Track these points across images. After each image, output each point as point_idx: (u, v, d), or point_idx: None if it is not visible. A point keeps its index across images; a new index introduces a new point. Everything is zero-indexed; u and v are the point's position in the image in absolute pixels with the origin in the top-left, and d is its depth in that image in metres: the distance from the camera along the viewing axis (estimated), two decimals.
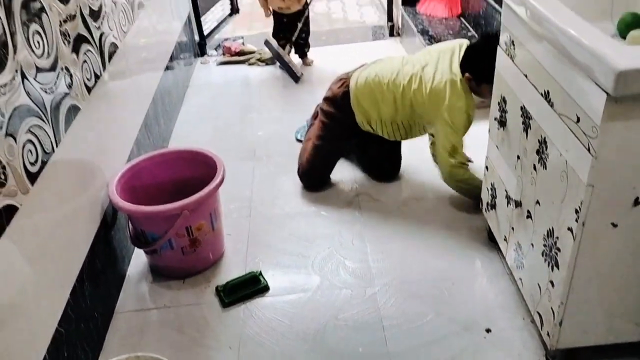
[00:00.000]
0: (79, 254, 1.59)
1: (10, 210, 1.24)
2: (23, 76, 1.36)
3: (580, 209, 1.19)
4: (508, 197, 1.64)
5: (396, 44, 3.72)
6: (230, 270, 1.93)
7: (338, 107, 2.22)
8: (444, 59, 2.05)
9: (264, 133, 2.81)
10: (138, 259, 2.00)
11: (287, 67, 3.35)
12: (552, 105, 1.29)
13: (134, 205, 1.73)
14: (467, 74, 1.97)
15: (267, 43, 3.40)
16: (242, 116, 3.00)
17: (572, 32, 1.14)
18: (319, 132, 2.29)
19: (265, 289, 1.83)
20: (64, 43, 1.62)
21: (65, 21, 1.64)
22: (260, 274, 1.87)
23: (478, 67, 1.93)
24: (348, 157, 2.48)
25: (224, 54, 3.68)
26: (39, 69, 1.45)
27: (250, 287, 1.82)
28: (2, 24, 1.29)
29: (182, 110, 3.07)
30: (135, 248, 1.99)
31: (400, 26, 3.71)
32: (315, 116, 2.42)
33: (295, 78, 3.31)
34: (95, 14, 1.89)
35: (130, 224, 1.87)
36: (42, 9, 1.50)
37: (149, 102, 2.45)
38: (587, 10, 1.39)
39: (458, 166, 2.03)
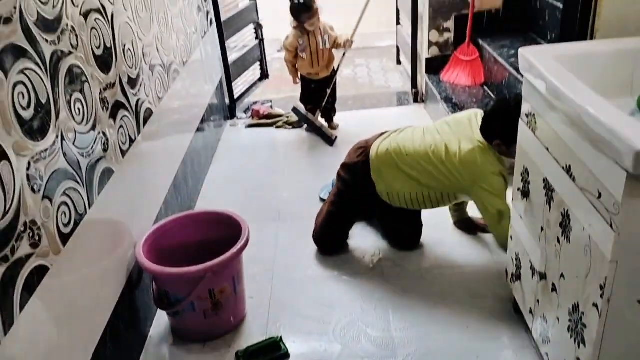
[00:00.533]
0: (103, 314, 1.61)
1: (42, 271, 1.28)
2: (62, 141, 1.44)
3: (604, 285, 1.18)
4: (533, 269, 1.62)
5: (420, 110, 3.79)
6: (252, 334, 1.92)
7: (356, 176, 2.25)
8: (464, 128, 2.10)
9: (289, 195, 2.85)
10: (160, 320, 2.01)
11: (319, 132, 3.44)
12: (573, 180, 1.30)
13: (159, 266, 1.77)
14: (496, 141, 2.00)
15: (295, 110, 3.52)
16: (268, 178, 3.06)
17: (590, 111, 1.17)
18: (334, 197, 2.33)
19: (286, 356, 1.81)
20: (102, 109, 1.71)
21: (105, 89, 1.74)
22: (281, 339, 1.86)
23: (506, 130, 1.92)
24: (370, 222, 2.49)
25: (252, 117, 3.80)
26: (77, 134, 1.53)
27: (270, 353, 1.81)
28: (47, 92, 1.38)
29: (210, 171, 3.15)
30: (158, 309, 2.01)
31: (424, 93, 3.79)
32: None
33: (330, 141, 3.39)
34: (133, 82, 2.00)
35: (154, 285, 1.90)
36: (85, 79, 1.60)
37: (179, 164, 2.53)
38: (606, 86, 1.43)
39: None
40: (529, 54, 1.53)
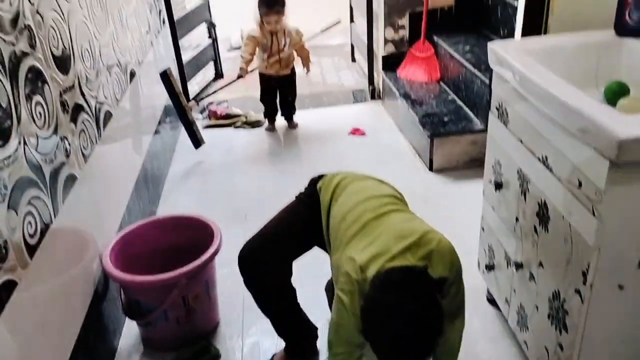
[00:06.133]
0: (73, 329, 1.53)
1: (10, 286, 1.20)
2: (25, 146, 1.35)
3: (587, 271, 1.21)
4: (508, 259, 1.65)
5: (378, 107, 3.81)
6: (225, 341, 1.88)
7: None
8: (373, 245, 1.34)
9: (253, 195, 2.81)
10: (129, 331, 1.93)
11: (188, 128, 3.16)
12: (551, 170, 1.33)
13: (129, 275, 1.69)
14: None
15: (163, 76, 2.99)
16: (230, 179, 3.01)
17: (570, 102, 1.19)
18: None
19: (216, 357, 1.81)
20: (63, 113, 1.62)
21: (65, 91, 1.65)
22: (209, 342, 1.86)
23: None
24: None
25: (209, 118, 3.72)
26: (39, 140, 1.44)
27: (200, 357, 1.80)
28: (8, 96, 1.29)
29: (170, 174, 3.06)
30: (127, 319, 1.93)
31: (381, 89, 3.82)
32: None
33: (197, 144, 3.19)
34: (92, 84, 1.91)
35: (122, 295, 1.82)
36: (44, 80, 1.51)
37: (139, 168, 2.44)
38: (573, 77, 1.46)
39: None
40: (499, 49, 1.56)
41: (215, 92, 3.51)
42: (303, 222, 1.66)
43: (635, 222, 1.15)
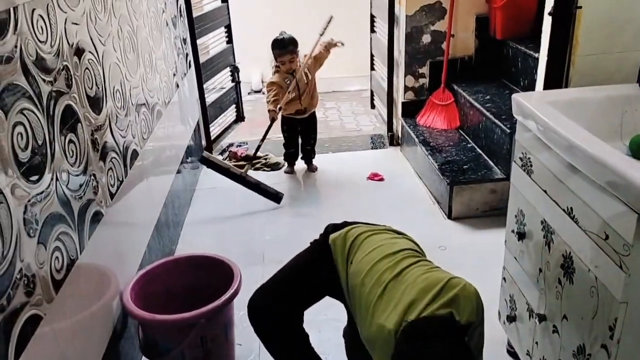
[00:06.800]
0: None
1: (35, 321, 1.21)
2: (57, 183, 1.38)
3: (614, 326, 1.19)
4: (530, 311, 1.63)
5: (397, 153, 3.84)
6: None
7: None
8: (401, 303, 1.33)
9: (272, 238, 2.81)
10: None
11: (259, 190, 3.16)
12: (576, 222, 1.32)
13: (150, 314, 1.69)
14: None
15: (204, 160, 3.18)
16: (248, 221, 3.02)
17: (595, 154, 1.20)
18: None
19: None
20: (93, 151, 1.66)
21: (96, 130, 1.70)
22: None
23: None
24: None
25: (229, 159, 3.77)
26: (70, 176, 1.47)
27: None
28: (44, 133, 1.34)
29: (189, 213, 3.09)
30: (144, 358, 1.91)
31: (400, 136, 3.85)
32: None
33: (277, 199, 3.18)
34: (122, 123, 1.96)
35: (141, 333, 1.81)
36: (78, 119, 1.56)
37: (161, 206, 2.47)
38: (597, 130, 1.47)
39: None
40: (523, 100, 1.58)
41: (260, 145, 3.46)
42: (315, 273, 1.66)
43: None
